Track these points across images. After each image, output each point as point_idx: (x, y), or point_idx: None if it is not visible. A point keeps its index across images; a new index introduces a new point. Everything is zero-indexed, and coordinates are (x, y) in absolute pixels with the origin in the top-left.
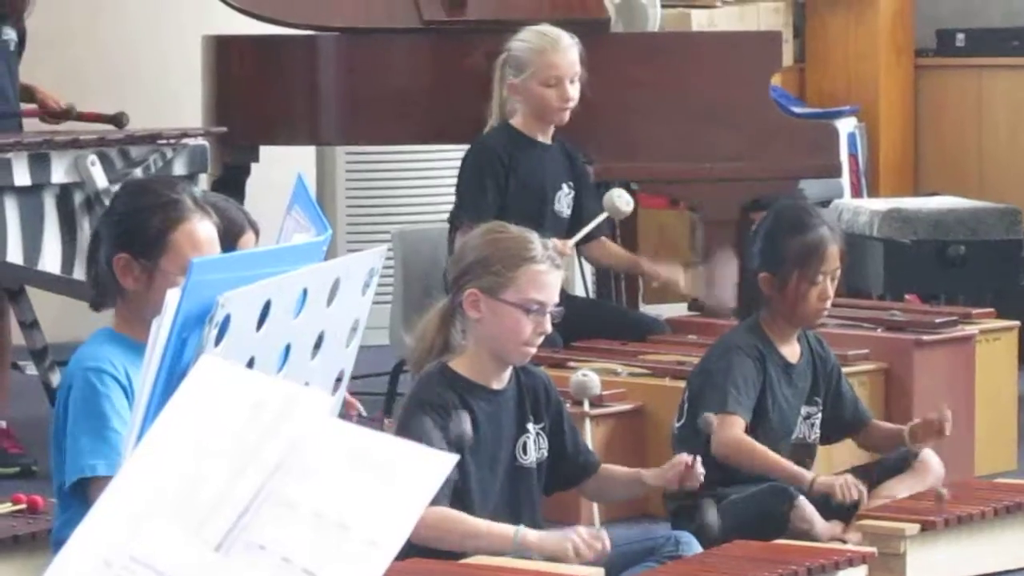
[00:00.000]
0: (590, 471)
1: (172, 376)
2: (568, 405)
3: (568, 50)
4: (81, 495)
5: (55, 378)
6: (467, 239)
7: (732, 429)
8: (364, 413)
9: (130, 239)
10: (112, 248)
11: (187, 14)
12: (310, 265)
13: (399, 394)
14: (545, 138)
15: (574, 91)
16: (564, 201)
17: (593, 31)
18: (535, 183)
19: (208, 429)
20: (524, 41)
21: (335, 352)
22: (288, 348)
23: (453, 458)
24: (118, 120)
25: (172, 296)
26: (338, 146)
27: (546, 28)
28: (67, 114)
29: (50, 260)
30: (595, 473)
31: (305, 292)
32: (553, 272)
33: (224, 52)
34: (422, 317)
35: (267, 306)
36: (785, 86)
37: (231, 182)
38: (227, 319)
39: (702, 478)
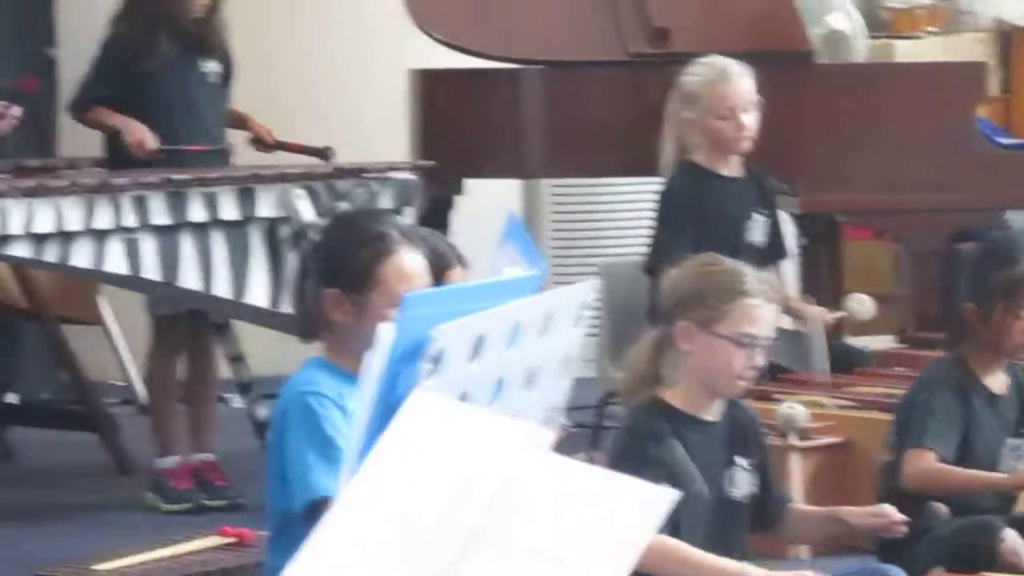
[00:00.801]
0: (785, 512)
1: (386, 410)
2: (774, 438)
3: (738, 79)
4: (311, 517)
5: (261, 411)
6: (680, 271)
7: (920, 461)
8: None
9: (339, 274)
10: (321, 283)
11: (392, 48)
12: (523, 298)
13: (606, 427)
14: (729, 169)
15: (750, 120)
16: (757, 230)
17: (796, 63)
18: (725, 217)
19: (422, 464)
20: (694, 75)
21: (548, 385)
22: (501, 381)
23: (673, 494)
24: (324, 154)
25: (385, 330)
26: (543, 178)
27: (715, 59)
28: (277, 146)
29: (257, 294)
30: (789, 514)
31: (518, 325)
32: (767, 306)
33: (429, 86)
34: (630, 349)
35: (480, 340)
36: (991, 117)
37: (436, 215)
38: (441, 352)
39: (905, 528)
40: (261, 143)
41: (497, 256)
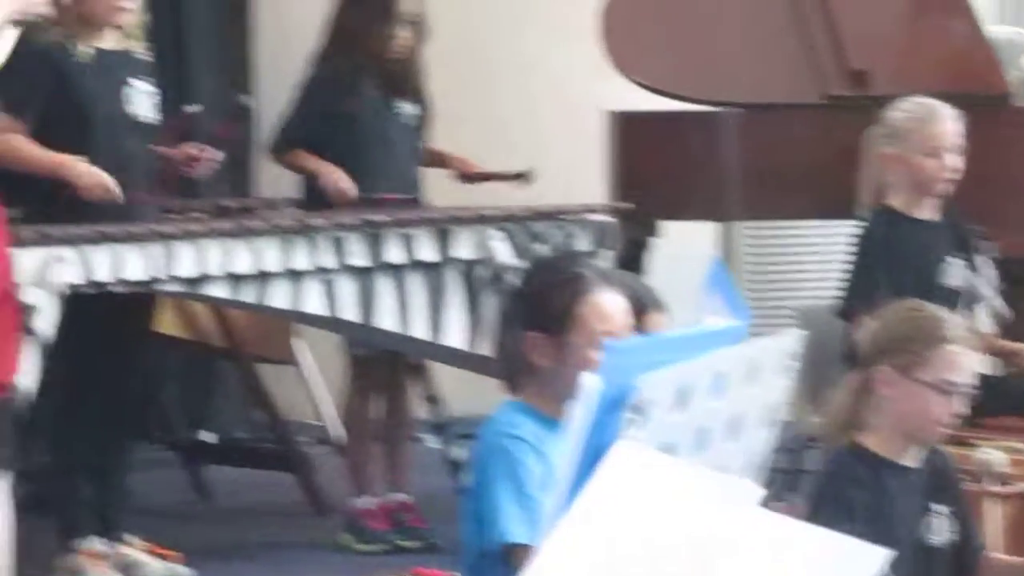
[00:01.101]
0: (981, 560)
1: (589, 459)
2: (970, 484)
3: (948, 120)
4: (503, 561)
5: (457, 452)
6: (882, 316)
7: None
8: None
9: (538, 316)
10: (521, 326)
11: (590, 90)
12: (729, 348)
13: (803, 471)
14: (926, 212)
15: (955, 162)
16: (953, 273)
17: (994, 105)
18: (920, 260)
19: (626, 517)
20: (902, 111)
21: (753, 435)
22: (705, 432)
23: (886, 553)
24: (525, 177)
25: (590, 379)
26: (739, 221)
27: (924, 99)
28: (479, 177)
29: (453, 335)
30: (984, 562)
31: (723, 376)
32: (968, 353)
33: (627, 127)
34: (827, 393)
35: (685, 390)
36: None
37: (632, 258)
38: (645, 403)
39: None
40: (463, 175)
41: (701, 304)
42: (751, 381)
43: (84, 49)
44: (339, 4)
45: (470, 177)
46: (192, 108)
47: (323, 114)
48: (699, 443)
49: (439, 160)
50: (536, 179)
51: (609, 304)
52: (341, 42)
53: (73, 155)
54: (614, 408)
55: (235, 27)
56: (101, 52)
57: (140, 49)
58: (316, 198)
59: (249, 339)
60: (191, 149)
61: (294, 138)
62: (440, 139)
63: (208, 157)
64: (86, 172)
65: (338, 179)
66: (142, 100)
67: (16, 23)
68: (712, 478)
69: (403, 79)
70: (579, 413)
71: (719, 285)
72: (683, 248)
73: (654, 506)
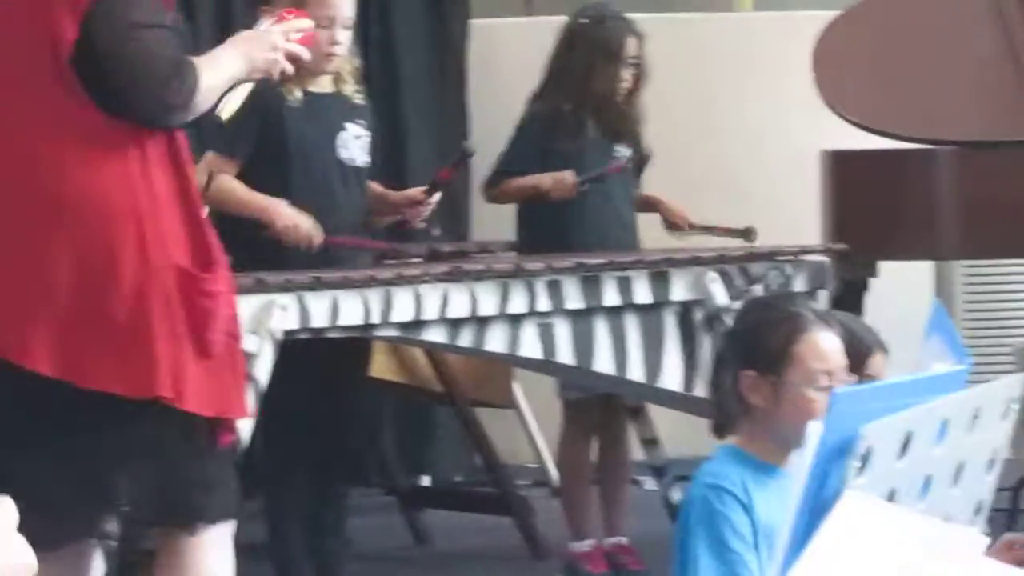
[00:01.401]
0: None
1: (815, 509)
2: None
3: None
4: None
5: (675, 494)
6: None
7: None
8: None
9: (755, 355)
10: (737, 366)
11: (804, 130)
12: (951, 394)
13: (1022, 510)
14: None
15: None
16: None
17: None
18: None
19: (856, 568)
20: None
21: (975, 481)
22: (929, 479)
23: None
24: (747, 234)
25: (814, 428)
26: (956, 260)
27: None
28: (697, 229)
29: (670, 377)
30: None
31: (946, 422)
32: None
33: (842, 167)
34: None
35: (908, 437)
36: None
37: (850, 298)
38: (869, 451)
39: None
40: (676, 227)
41: (923, 348)
42: (973, 426)
43: (295, 92)
44: (561, 44)
45: (683, 229)
46: (469, 148)
47: (539, 149)
48: (922, 490)
49: (652, 207)
50: (757, 236)
51: (826, 343)
52: (563, 81)
53: (281, 198)
54: (838, 456)
55: (449, 70)
56: (312, 96)
57: (353, 93)
58: (534, 239)
59: (466, 383)
60: (414, 193)
61: (511, 171)
62: (659, 179)
63: (430, 202)
64: (286, 215)
65: (558, 175)
66: (354, 144)
67: None
68: (938, 528)
69: (622, 122)
70: (803, 462)
71: (940, 328)
72: (900, 288)
73: (883, 558)
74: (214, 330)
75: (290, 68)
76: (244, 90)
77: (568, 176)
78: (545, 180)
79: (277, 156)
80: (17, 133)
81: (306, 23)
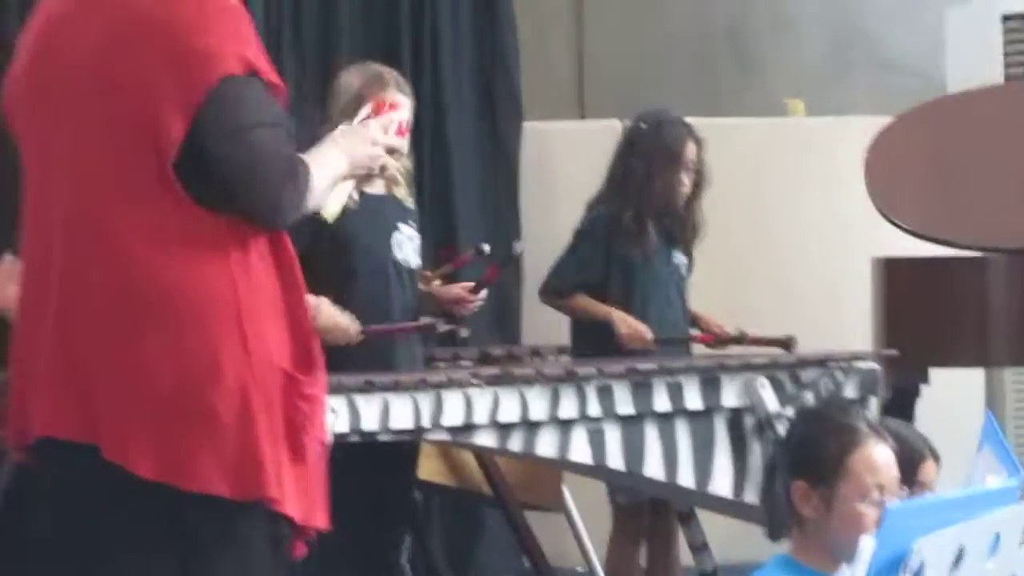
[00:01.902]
0: None
1: None
2: None
3: None
4: None
5: None
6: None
7: None
8: None
9: (807, 466)
10: (789, 475)
11: (858, 235)
12: (1004, 508)
13: None
14: None
15: None
16: None
17: None
18: None
19: None
20: None
21: None
22: None
23: None
24: (787, 344)
25: (867, 543)
26: (1008, 368)
27: None
28: (736, 340)
29: (720, 483)
30: None
31: (998, 536)
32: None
33: (893, 273)
34: None
35: (960, 551)
36: None
37: (901, 405)
38: (921, 565)
39: None
40: (718, 340)
41: (976, 461)
42: None
43: (352, 193)
44: (621, 149)
45: (725, 342)
46: (484, 247)
47: (603, 257)
48: None
49: (694, 321)
50: (797, 345)
51: (880, 457)
52: (624, 187)
53: (335, 295)
54: (891, 570)
55: (501, 172)
56: (368, 196)
57: (405, 195)
58: (586, 343)
59: (515, 485)
60: (461, 290)
61: (572, 282)
62: (712, 286)
63: (477, 299)
64: (327, 313)
65: (632, 322)
66: (408, 246)
67: None
68: None
69: (682, 228)
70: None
71: (993, 440)
72: (951, 394)
73: None
74: (309, 435)
75: (393, 164)
76: (346, 188)
77: (647, 334)
78: (620, 323)
79: (334, 254)
80: (116, 231)
81: (403, 115)
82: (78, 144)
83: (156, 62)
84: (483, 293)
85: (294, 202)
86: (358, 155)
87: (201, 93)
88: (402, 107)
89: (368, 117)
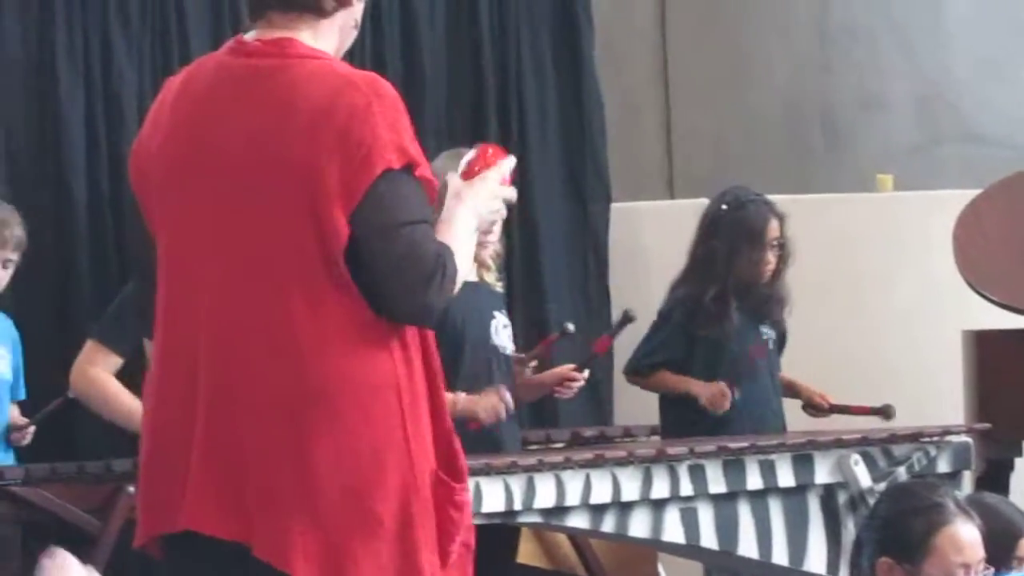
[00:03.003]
0: None
1: None
2: None
3: None
4: None
5: None
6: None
7: None
8: None
9: (893, 543)
10: (875, 552)
11: (946, 308)
12: None
13: None
14: None
15: None
16: None
17: None
18: None
19: None
20: None
21: None
22: None
23: None
24: (886, 412)
25: None
26: None
27: None
28: (837, 410)
29: (815, 561)
30: None
31: None
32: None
33: (984, 346)
34: None
35: None
36: None
37: (996, 478)
38: None
39: None
40: (815, 408)
41: None
42: None
43: None
44: (703, 230)
45: (824, 410)
46: (568, 328)
47: (686, 337)
48: None
49: (790, 389)
50: (895, 413)
51: (966, 536)
52: (707, 266)
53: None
54: None
55: (590, 253)
56: (464, 284)
57: (495, 280)
58: (674, 420)
59: (610, 566)
60: (566, 371)
61: (657, 361)
62: (805, 362)
63: (582, 377)
64: (472, 400)
65: (713, 388)
66: (503, 332)
67: None
68: None
69: (767, 303)
70: None
71: None
72: None
73: None
74: (456, 541)
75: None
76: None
77: (725, 391)
78: (700, 389)
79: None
80: (279, 315)
81: (511, 162)
82: (233, 226)
83: (322, 149)
84: (586, 372)
85: (442, 298)
86: (483, 213)
87: (363, 186)
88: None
89: (474, 162)
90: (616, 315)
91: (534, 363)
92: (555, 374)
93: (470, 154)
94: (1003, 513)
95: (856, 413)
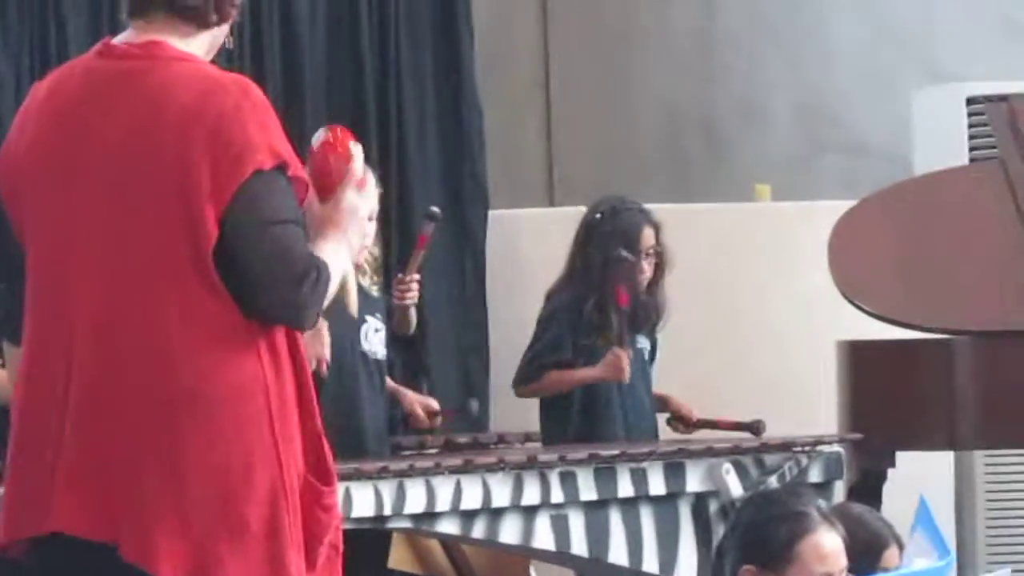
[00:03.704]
0: None
1: None
2: None
3: None
4: None
5: None
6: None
7: None
8: None
9: (756, 550)
10: (738, 560)
11: (822, 319)
12: None
13: None
14: None
15: None
16: None
17: None
18: None
19: None
20: None
21: None
22: None
23: None
24: (755, 428)
25: None
26: (976, 450)
27: None
28: (705, 425)
29: (685, 569)
30: None
31: None
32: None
33: (858, 357)
34: None
35: None
36: None
37: (868, 489)
38: None
39: None
40: (682, 422)
41: (909, 543)
42: None
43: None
44: (579, 239)
45: (690, 425)
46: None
47: (568, 343)
48: None
49: (663, 403)
50: (765, 429)
51: (829, 544)
52: (583, 274)
53: None
54: None
55: (469, 261)
56: None
57: (370, 285)
58: (556, 432)
59: (483, 573)
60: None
61: (546, 362)
62: (676, 371)
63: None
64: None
65: (607, 361)
66: (375, 337)
67: None
68: None
69: (643, 314)
70: None
71: (924, 523)
72: (920, 477)
73: None
74: (324, 543)
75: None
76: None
77: (619, 355)
78: (595, 372)
79: None
80: (150, 315)
81: (360, 151)
82: (106, 226)
83: (193, 148)
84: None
85: (315, 298)
86: (354, 241)
87: (234, 186)
88: (356, 156)
89: (328, 152)
90: (495, 317)
91: (418, 275)
92: (423, 402)
93: (320, 135)
94: (869, 524)
95: (724, 428)
